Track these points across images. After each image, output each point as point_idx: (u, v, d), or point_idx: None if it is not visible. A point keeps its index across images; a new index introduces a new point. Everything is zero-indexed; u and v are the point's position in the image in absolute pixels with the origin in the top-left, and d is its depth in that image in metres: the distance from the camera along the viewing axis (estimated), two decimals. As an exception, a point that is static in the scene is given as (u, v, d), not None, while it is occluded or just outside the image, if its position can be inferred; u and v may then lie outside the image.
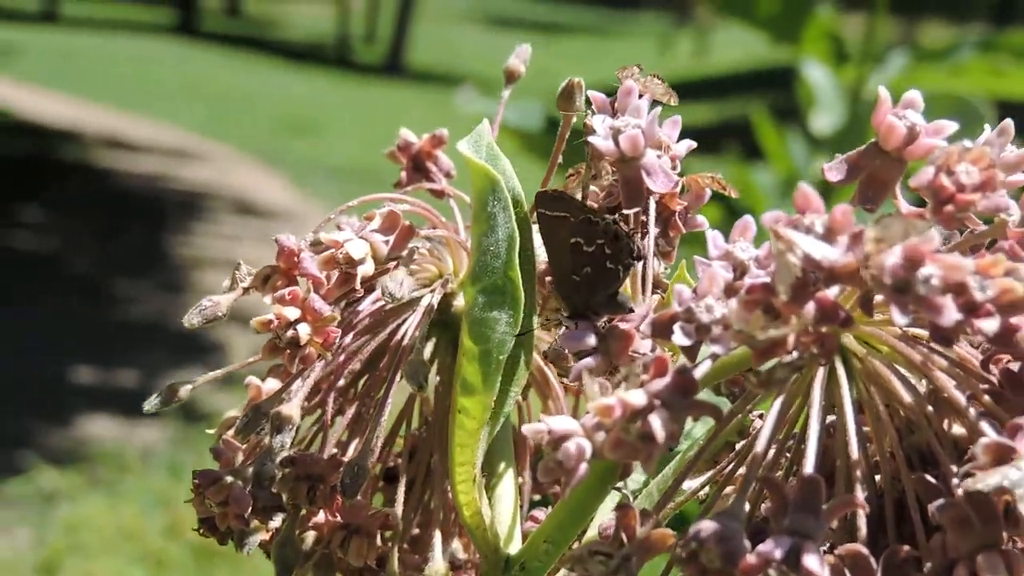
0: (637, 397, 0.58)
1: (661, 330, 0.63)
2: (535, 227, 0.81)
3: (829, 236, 0.58)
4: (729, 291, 0.61)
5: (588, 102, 0.77)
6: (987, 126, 0.66)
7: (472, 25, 30.17)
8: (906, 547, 0.60)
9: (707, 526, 0.57)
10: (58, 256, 9.28)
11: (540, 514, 0.84)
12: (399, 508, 0.80)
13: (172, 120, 15.19)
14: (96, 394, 6.56)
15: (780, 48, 3.36)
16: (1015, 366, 0.62)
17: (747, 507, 0.67)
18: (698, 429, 0.83)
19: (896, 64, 3.02)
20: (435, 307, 0.80)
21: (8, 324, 7.44)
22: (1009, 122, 0.66)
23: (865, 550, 0.59)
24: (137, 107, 15.73)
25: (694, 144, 0.78)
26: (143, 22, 27.71)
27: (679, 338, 0.61)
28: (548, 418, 0.59)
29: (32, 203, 10.59)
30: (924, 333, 0.65)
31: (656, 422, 0.57)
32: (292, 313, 0.73)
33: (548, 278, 0.79)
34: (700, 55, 24.64)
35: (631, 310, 0.75)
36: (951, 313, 0.55)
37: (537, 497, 0.92)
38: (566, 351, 0.74)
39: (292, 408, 0.74)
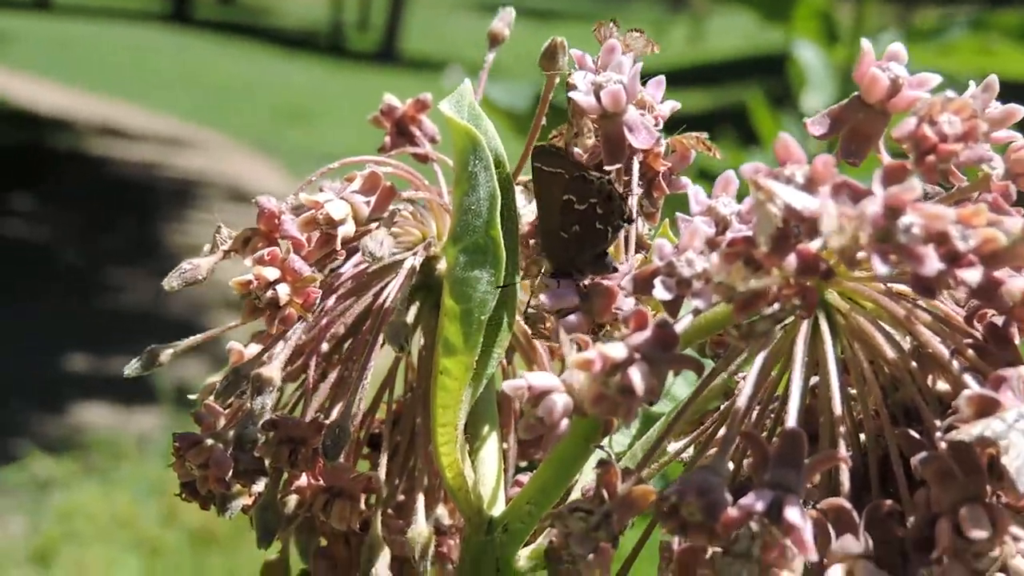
0: (617, 350, 0.57)
1: (642, 285, 0.62)
2: (518, 189, 0.80)
3: (810, 187, 0.57)
4: (710, 245, 0.61)
5: (572, 63, 0.76)
6: (971, 83, 0.66)
7: (466, 12, 30.09)
8: (889, 501, 0.60)
9: (688, 479, 0.57)
10: (52, 245, 9.26)
11: (525, 479, 0.84)
12: (382, 471, 0.79)
13: (166, 108, 15.14)
14: (91, 382, 6.55)
15: (772, 30, 3.35)
16: (999, 320, 0.62)
17: (730, 466, 0.66)
18: (683, 390, 0.83)
19: (887, 43, 3.02)
20: (417, 269, 0.80)
21: (1, 313, 7.42)
22: (994, 78, 0.66)
23: (848, 504, 0.59)
24: (131, 95, 15.68)
25: (678, 105, 0.78)
26: (136, 10, 27.61)
27: (660, 292, 0.60)
28: (528, 374, 0.59)
29: (26, 192, 10.56)
30: (908, 290, 0.64)
31: (636, 375, 0.56)
32: (271, 273, 0.72)
33: (532, 240, 0.78)
34: (695, 41, 24.60)
35: (615, 270, 0.74)
36: (933, 262, 0.54)
37: (523, 464, 0.91)
38: (544, 313, 0.73)
39: (273, 370, 0.74)
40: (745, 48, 21.31)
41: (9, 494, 5.27)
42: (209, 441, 0.75)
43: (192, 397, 0.83)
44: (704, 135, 0.78)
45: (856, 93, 0.65)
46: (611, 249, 0.76)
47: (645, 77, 0.77)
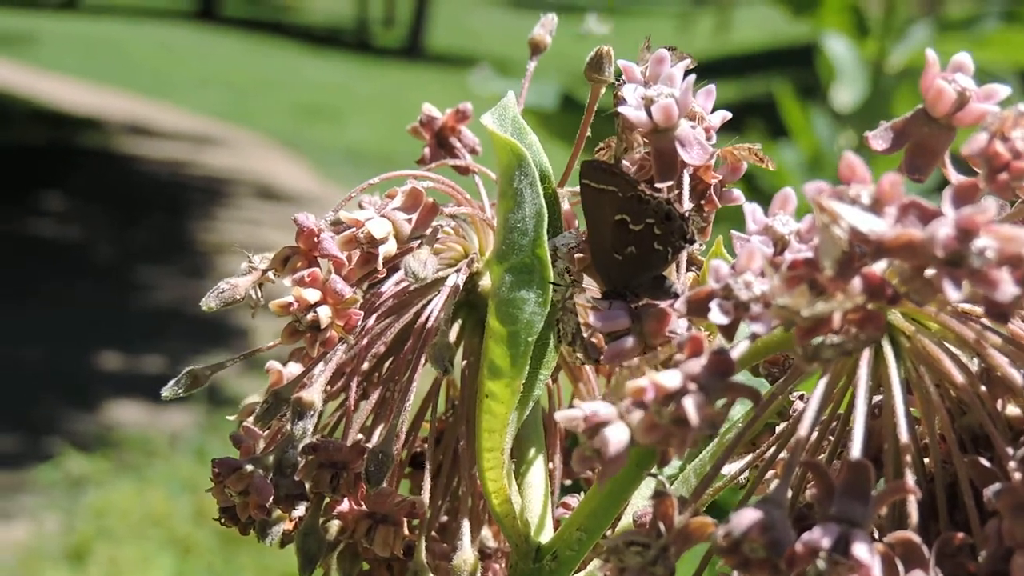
0: (671, 379, 0.55)
1: (697, 308, 0.60)
2: (564, 200, 0.78)
3: (876, 207, 0.55)
4: (770, 266, 0.58)
5: (618, 73, 0.74)
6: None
7: (491, 7, 30.02)
8: (960, 534, 0.57)
9: (749, 514, 0.54)
10: (81, 243, 9.31)
11: (572, 501, 0.82)
12: (426, 496, 0.77)
13: (193, 106, 15.20)
14: (122, 379, 6.58)
15: (800, 22, 3.31)
16: (1073, 343, 0.59)
17: (789, 493, 0.64)
18: (736, 411, 0.80)
19: (918, 36, 2.98)
20: (460, 287, 0.77)
21: (32, 312, 7.47)
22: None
23: (917, 538, 0.56)
24: (158, 94, 15.76)
25: (729, 115, 0.75)
26: (163, 8, 27.73)
27: (716, 316, 0.58)
28: (583, 403, 0.56)
29: (56, 191, 10.62)
30: (974, 309, 0.62)
31: (691, 405, 0.54)
32: (312, 295, 0.70)
33: (579, 255, 0.75)
34: (721, 33, 24.44)
35: (677, 295, 0.70)
36: (1008, 287, 0.51)
37: (568, 482, 0.89)
38: (583, 337, 0.70)
39: (313, 393, 0.72)
40: (772, 40, 21.16)
41: (44, 492, 5.30)
42: (249, 467, 0.73)
43: (230, 417, 0.81)
44: (757, 146, 0.75)
45: (920, 106, 0.62)
46: (669, 270, 0.73)
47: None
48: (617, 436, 0.54)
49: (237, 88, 16.82)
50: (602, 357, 0.68)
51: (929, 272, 0.54)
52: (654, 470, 0.68)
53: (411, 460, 0.85)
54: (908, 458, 0.60)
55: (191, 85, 16.78)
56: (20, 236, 9.20)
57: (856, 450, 0.57)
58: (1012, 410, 0.61)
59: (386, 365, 0.81)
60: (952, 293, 0.52)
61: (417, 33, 24.74)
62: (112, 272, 8.53)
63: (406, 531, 0.76)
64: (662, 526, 0.59)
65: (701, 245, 0.75)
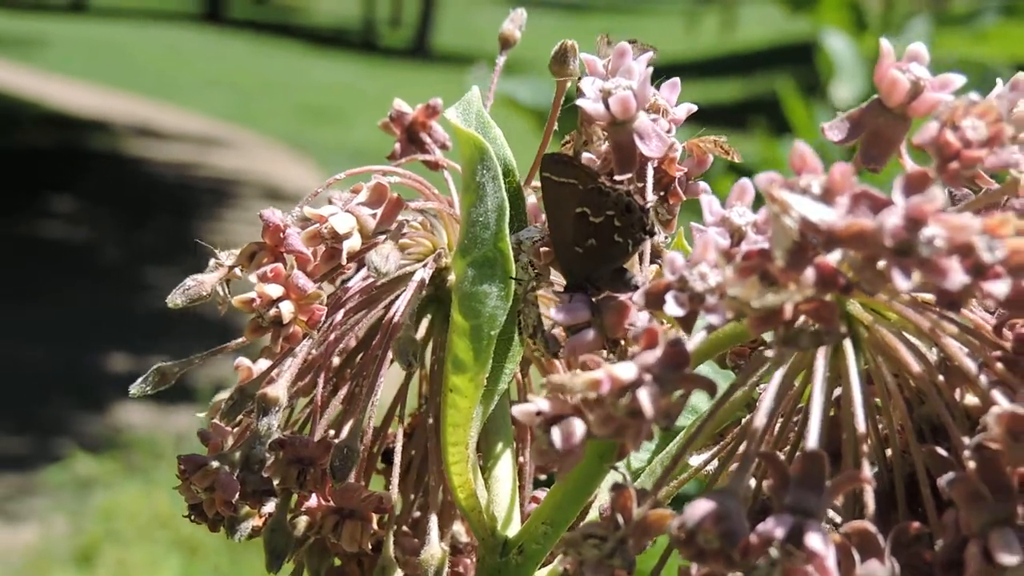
0: (626, 370, 0.55)
1: (654, 300, 0.59)
2: (530, 195, 0.78)
3: (827, 197, 0.54)
4: (725, 257, 0.58)
5: (583, 67, 0.73)
6: (999, 80, 0.63)
7: (497, 7, 29.99)
8: (916, 524, 0.57)
9: (703, 506, 0.54)
10: (89, 245, 9.33)
11: (543, 495, 0.82)
12: (394, 491, 0.77)
13: (200, 108, 15.23)
14: (129, 381, 6.57)
15: (798, 18, 3.31)
16: (1030, 331, 0.59)
17: (752, 484, 0.64)
18: (704, 402, 0.80)
19: (917, 31, 2.97)
20: (427, 282, 0.77)
21: (40, 313, 7.50)
22: (1022, 75, 0.63)
23: (872, 527, 0.56)
24: (165, 96, 15.79)
25: (694, 107, 0.75)
26: (170, 11, 27.78)
27: (671, 308, 0.58)
28: (537, 398, 0.56)
29: (62, 193, 10.66)
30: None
31: (645, 396, 0.54)
32: (274, 291, 0.70)
33: (544, 248, 0.75)
34: (727, 30, 24.38)
35: (636, 287, 0.70)
36: (957, 276, 0.51)
37: (543, 477, 0.89)
38: (545, 331, 0.70)
39: (278, 389, 0.72)
40: (777, 36, 21.11)
41: (52, 494, 5.32)
42: (214, 464, 0.73)
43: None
44: (722, 138, 0.75)
45: (876, 96, 0.62)
46: (632, 262, 0.73)
47: (671, 74, 0.74)
48: (570, 430, 0.54)
49: (243, 90, 16.84)
50: (561, 350, 0.68)
51: (881, 262, 0.54)
52: (619, 463, 0.68)
53: (383, 456, 0.85)
54: (866, 448, 0.60)
55: (198, 87, 16.81)
56: (30, 239, 9.24)
57: (812, 441, 0.57)
58: (970, 399, 0.61)
59: (357, 359, 0.82)
60: (901, 282, 0.52)
61: (423, 33, 24.76)
62: (120, 274, 8.56)
63: (375, 526, 0.76)
64: (620, 518, 0.59)
65: (666, 237, 0.75)
